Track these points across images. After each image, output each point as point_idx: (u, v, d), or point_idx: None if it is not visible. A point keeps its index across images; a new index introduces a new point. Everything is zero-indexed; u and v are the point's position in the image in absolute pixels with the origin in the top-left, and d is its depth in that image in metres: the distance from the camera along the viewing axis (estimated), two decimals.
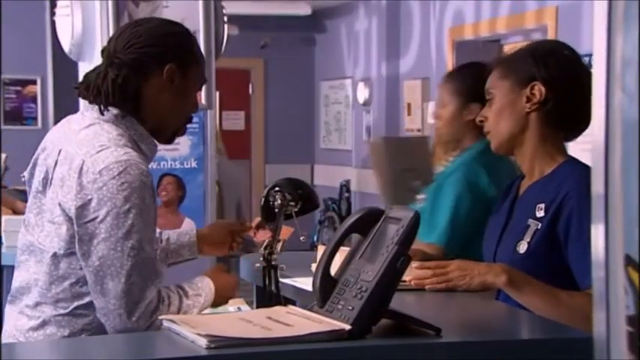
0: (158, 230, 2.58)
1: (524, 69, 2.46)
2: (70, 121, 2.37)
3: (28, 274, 2.30)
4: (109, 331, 2.23)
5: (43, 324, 2.27)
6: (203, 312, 2.36)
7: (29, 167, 2.40)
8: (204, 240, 2.71)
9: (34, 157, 2.39)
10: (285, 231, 2.66)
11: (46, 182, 2.31)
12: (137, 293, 2.18)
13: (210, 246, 2.72)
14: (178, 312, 2.27)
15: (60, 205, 2.23)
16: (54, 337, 2.26)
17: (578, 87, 2.41)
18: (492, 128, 2.52)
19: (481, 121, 2.55)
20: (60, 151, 2.29)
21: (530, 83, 2.45)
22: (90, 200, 2.18)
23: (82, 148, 2.24)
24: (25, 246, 2.34)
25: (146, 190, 2.20)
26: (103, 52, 2.37)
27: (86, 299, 2.25)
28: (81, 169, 2.20)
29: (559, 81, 2.44)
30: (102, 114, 2.30)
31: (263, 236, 2.60)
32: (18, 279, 2.34)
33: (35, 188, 2.35)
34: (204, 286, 2.40)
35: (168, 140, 2.43)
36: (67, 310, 2.26)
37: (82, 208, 2.18)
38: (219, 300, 2.45)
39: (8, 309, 2.36)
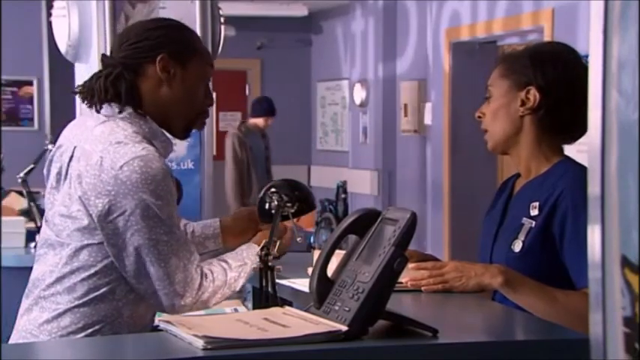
0: (183, 222, 2.61)
1: (522, 72, 2.45)
2: (85, 119, 2.39)
3: (45, 266, 2.33)
4: (164, 310, 2.27)
5: (58, 316, 2.29)
6: (198, 314, 2.36)
7: (46, 165, 2.43)
8: (228, 230, 2.69)
9: (50, 154, 2.42)
10: (309, 218, 2.66)
11: (60, 177, 2.33)
12: (179, 273, 2.24)
13: (235, 236, 2.69)
14: (224, 285, 2.32)
15: (80, 199, 2.24)
16: (68, 329, 2.27)
17: (575, 94, 2.38)
18: (489, 127, 2.51)
19: (479, 117, 2.54)
20: (75, 147, 2.30)
21: (526, 87, 2.44)
22: (115, 196, 2.20)
23: (99, 144, 2.25)
24: (43, 240, 2.36)
25: (169, 179, 2.25)
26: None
27: (102, 290, 2.28)
28: (100, 165, 2.22)
29: (554, 88, 2.42)
30: (97, 112, 2.32)
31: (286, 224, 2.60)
32: (35, 272, 2.37)
33: (50, 184, 2.38)
34: (250, 254, 2.43)
35: (183, 135, 2.42)
36: (83, 301, 2.28)
37: (108, 204, 2.21)
38: None
39: (23, 302, 2.38)
